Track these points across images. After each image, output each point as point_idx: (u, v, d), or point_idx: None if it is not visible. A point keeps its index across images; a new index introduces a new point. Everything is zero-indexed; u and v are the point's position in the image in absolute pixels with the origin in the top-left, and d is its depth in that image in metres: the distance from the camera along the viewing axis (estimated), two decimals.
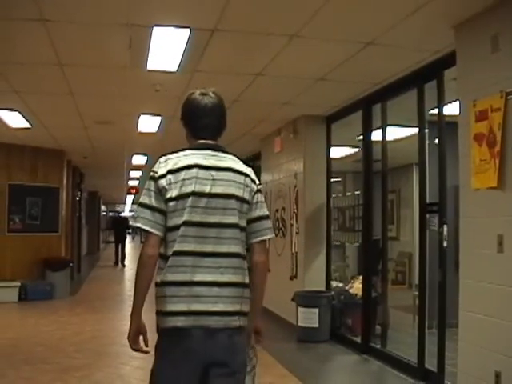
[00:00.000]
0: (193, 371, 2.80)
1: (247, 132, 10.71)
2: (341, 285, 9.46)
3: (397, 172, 12.05)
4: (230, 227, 2.92)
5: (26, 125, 10.05)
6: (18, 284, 12.37)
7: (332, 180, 9.39)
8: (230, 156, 3.10)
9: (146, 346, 2.96)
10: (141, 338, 2.97)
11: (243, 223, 2.97)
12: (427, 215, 6.37)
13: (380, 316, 7.79)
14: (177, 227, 2.85)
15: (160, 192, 2.88)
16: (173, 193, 2.87)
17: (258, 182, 3.11)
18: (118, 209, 33.88)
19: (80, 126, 10.37)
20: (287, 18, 5.19)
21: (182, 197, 2.87)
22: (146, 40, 5.68)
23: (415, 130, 6.72)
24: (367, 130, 7.90)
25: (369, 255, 7.93)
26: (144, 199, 2.91)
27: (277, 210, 10.51)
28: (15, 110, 8.97)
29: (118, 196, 34.43)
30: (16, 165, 12.91)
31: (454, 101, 5.54)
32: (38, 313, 10.91)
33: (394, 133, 8.33)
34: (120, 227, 25.64)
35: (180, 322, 2.80)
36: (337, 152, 9.74)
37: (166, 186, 2.87)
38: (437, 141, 6.21)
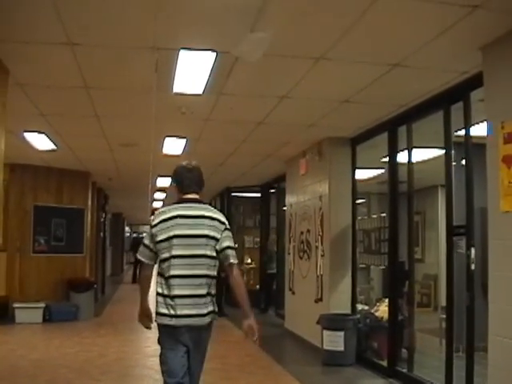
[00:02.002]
0: (181, 351, 4.29)
1: (272, 154, 10.72)
2: (366, 308, 9.37)
3: (422, 194, 11.97)
4: (201, 257, 4.28)
5: (52, 147, 10.16)
6: (43, 305, 12.43)
7: (357, 201, 9.34)
8: (205, 206, 4.49)
9: (151, 322, 4.56)
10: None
11: (211, 253, 4.31)
12: (454, 238, 6.30)
13: (406, 339, 7.69)
14: (167, 259, 4.26)
15: (152, 237, 4.32)
16: (162, 236, 4.28)
17: (226, 222, 4.45)
18: (140, 230, 34.09)
19: (105, 148, 10.46)
20: (313, 41, 5.20)
21: (168, 238, 4.26)
22: (173, 63, 5.72)
23: (441, 152, 6.67)
24: (393, 152, 7.87)
25: (395, 277, 7.85)
26: (145, 240, 4.42)
27: (302, 233, 10.49)
28: (42, 133, 9.07)
29: (141, 217, 34.49)
30: (42, 186, 13.04)
31: (481, 122, 5.50)
32: (62, 334, 10.95)
33: (420, 154, 8.28)
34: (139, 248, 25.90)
35: (170, 321, 4.23)
36: (362, 174, 9.70)
37: (157, 233, 4.29)
38: (463, 162, 6.16)
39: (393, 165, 7.88)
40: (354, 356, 8.40)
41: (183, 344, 4.28)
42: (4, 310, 12.02)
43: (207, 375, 7.21)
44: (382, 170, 9.97)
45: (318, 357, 8.67)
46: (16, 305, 12.14)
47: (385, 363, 7.83)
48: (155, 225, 4.31)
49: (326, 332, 8.42)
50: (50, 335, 10.97)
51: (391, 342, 7.77)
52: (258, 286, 16.09)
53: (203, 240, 4.28)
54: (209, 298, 4.33)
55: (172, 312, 4.21)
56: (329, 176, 9.21)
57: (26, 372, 7.78)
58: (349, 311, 8.89)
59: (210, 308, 4.35)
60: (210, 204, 18.75)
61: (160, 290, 4.29)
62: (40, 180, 13.02)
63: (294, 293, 11.11)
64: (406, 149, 7.42)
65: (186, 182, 4.54)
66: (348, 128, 8.63)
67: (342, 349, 8.28)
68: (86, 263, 13.78)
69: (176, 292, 4.22)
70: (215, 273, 4.37)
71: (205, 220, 4.33)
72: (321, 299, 9.32)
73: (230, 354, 9.33)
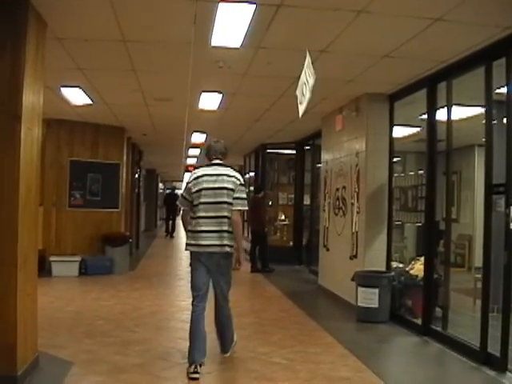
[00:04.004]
0: (203, 272, 5.96)
1: (308, 110, 10.48)
2: (401, 265, 9.38)
3: (458, 153, 11.84)
4: (222, 203, 5.95)
5: (88, 102, 10.21)
6: (79, 259, 12.66)
7: (393, 159, 9.27)
8: (226, 167, 6.17)
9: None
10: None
11: (229, 200, 5.95)
12: (493, 196, 6.25)
13: (441, 298, 7.71)
14: (197, 204, 5.98)
15: (188, 189, 6.05)
16: (195, 189, 6.00)
17: (241, 179, 6.12)
18: (174, 185, 34.41)
19: (141, 103, 10.49)
20: None
21: (199, 190, 5.98)
22: (211, 16, 5.68)
23: (480, 110, 6.57)
24: (431, 109, 7.76)
25: (431, 236, 7.83)
26: (183, 193, 6.22)
27: (337, 189, 10.48)
28: (78, 87, 9.12)
29: (175, 174, 34.76)
30: (78, 141, 13.18)
31: None
32: (98, 287, 11.15)
33: (459, 112, 8.17)
34: (171, 203, 26.64)
35: (196, 249, 5.96)
36: (399, 131, 9.60)
37: (192, 187, 6.02)
38: (504, 120, 6.07)
39: (431, 122, 7.79)
40: (388, 313, 8.43)
41: (205, 266, 5.96)
42: (41, 263, 12.19)
43: (243, 329, 7.40)
44: (419, 128, 9.87)
45: (351, 313, 8.73)
46: (53, 258, 12.39)
47: (419, 321, 7.85)
48: (190, 181, 6.07)
49: (360, 289, 8.46)
50: (86, 288, 11.18)
51: (426, 300, 7.78)
52: (291, 243, 16.19)
53: (224, 191, 5.98)
54: (226, 234, 5.94)
55: (198, 242, 5.94)
56: (366, 132, 9.14)
57: (64, 323, 7.97)
58: (383, 269, 8.90)
59: (226, 241, 5.95)
60: (245, 163, 19.05)
61: (190, 228, 6.04)
62: (76, 135, 13.14)
63: (328, 249, 11.15)
64: (445, 106, 7.33)
65: (212, 151, 6.28)
66: (387, 84, 8.53)
67: (376, 306, 8.32)
68: (121, 218, 13.94)
69: (202, 228, 5.93)
70: (227, 214, 5.97)
71: (225, 177, 6.04)
72: (356, 256, 9.35)
73: (266, 309, 9.46)
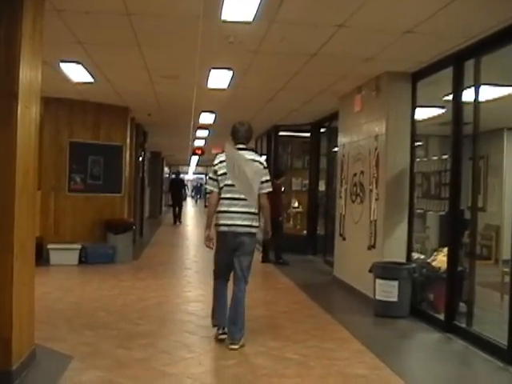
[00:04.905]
0: (227, 253, 6.64)
1: (325, 89, 10.61)
2: (422, 257, 9.34)
3: (485, 137, 11.75)
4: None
5: (89, 79, 10.19)
6: (79, 246, 12.66)
7: (416, 143, 9.21)
8: (250, 152, 6.85)
9: (213, 245, 6.76)
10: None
11: (256, 185, 6.54)
12: None
13: (465, 292, 7.67)
14: (223, 187, 6.65)
15: (215, 172, 6.71)
16: (221, 171, 6.65)
17: (265, 164, 6.81)
18: (179, 170, 34.54)
19: (146, 81, 10.47)
20: None
21: (224, 173, 6.62)
22: None
23: (510, 90, 6.50)
24: (458, 89, 7.69)
25: (456, 226, 7.78)
26: (210, 175, 6.91)
27: (355, 175, 10.44)
28: (79, 63, 9.09)
29: (182, 157, 34.84)
30: (78, 121, 13.15)
31: None
32: (99, 277, 11.19)
33: (488, 93, 8.09)
34: (177, 188, 26.76)
35: (223, 228, 6.63)
36: (421, 113, 9.53)
37: (218, 169, 6.68)
38: None
39: (457, 103, 7.72)
40: (408, 307, 8.41)
41: (229, 247, 6.61)
42: (38, 251, 12.22)
43: (253, 322, 7.40)
44: (444, 110, 9.80)
45: (369, 307, 8.72)
46: (51, 246, 12.39)
47: (441, 316, 7.82)
48: (216, 164, 6.73)
49: (378, 281, 8.44)
50: (87, 278, 11.23)
51: (449, 294, 7.73)
52: (305, 232, 16.18)
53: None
54: (251, 215, 6.61)
55: (224, 222, 6.60)
56: (386, 114, 9.08)
57: (63, 314, 7.99)
58: (404, 260, 8.87)
59: (251, 222, 6.61)
60: (256, 146, 19.05)
61: (219, 208, 6.66)
62: (76, 115, 13.11)
63: (344, 239, 11.13)
64: (472, 86, 7.26)
65: (237, 135, 6.88)
66: (409, 62, 8.46)
67: (395, 299, 8.29)
68: (124, 203, 13.95)
69: (227, 208, 6.59)
70: (256, 197, 6.62)
71: (253, 162, 6.65)
72: (374, 246, 9.33)
73: (278, 301, 9.47)
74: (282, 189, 14.54)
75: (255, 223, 6.65)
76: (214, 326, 6.84)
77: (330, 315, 8.39)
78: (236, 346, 6.44)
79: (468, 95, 7.45)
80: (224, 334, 6.64)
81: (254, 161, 6.67)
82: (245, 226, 6.57)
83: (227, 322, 6.65)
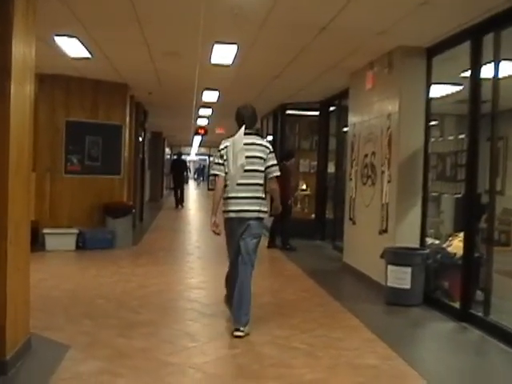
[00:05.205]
0: (235, 238, 6.85)
1: (334, 65, 10.57)
2: (437, 242, 9.34)
3: (505, 116, 11.67)
4: (254, 171, 6.79)
5: (86, 54, 10.16)
6: (76, 231, 12.69)
7: (430, 122, 9.17)
8: (256, 136, 7.06)
9: (219, 231, 6.86)
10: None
11: (261, 168, 6.84)
12: None
13: (482, 280, 7.67)
14: (229, 172, 6.76)
15: (221, 156, 6.86)
16: (226, 157, 6.79)
17: (270, 147, 7.01)
18: (180, 151, 34.47)
19: (146, 58, 10.45)
20: None
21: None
22: None
23: None
24: (476, 66, 7.64)
25: (472, 210, 7.76)
26: (216, 160, 7.08)
27: (366, 155, 10.42)
28: (74, 37, 9.06)
29: (184, 138, 34.80)
30: (75, 100, 13.13)
31: None
32: (97, 263, 11.23)
33: (508, 69, 8.04)
34: (179, 170, 26.79)
35: (231, 215, 6.82)
36: (437, 90, 9.48)
37: (224, 154, 6.83)
38: None
39: (475, 80, 7.67)
40: (422, 295, 8.42)
41: (237, 233, 6.81)
42: (34, 236, 12.22)
43: (259, 309, 7.43)
44: (461, 87, 9.76)
45: (380, 295, 8.74)
46: (46, 230, 12.44)
47: (456, 305, 7.82)
48: (222, 149, 6.89)
49: (390, 267, 8.45)
50: (85, 264, 11.26)
51: (465, 281, 7.73)
52: (313, 216, 16.18)
53: (255, 160, 6.82)
54: (258, 200, 6.84)
55: (233, 208, 6.79)
56: (399, 91, 9.04)
57: (60, 303, 8.02)
58: (417, 245, 8.88)
59: (259, 207, 6.82)
60: (262, 126, 19.03)
61: (226, 195, 6.83)
62: (73, 93, 13.09)
63: (354, 223, 11.14)
64: (491, 62, 7.22)
65: (242, 119, 7.02)
66: (424, 36, 8.41)
67: (408, 287, 8.30)
68: (124, 186, 13.96)
69: (234, 194, 6.78)
70: (263, 181, 6.93)
71: (256, 146, 6.87)
72: (386, 231, 9.33)
73: (284, 289, 9.51)
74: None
75: (263, 208, 6.85)
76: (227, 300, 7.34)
77: (339, 303, 8.42)
78: (241, 333, 6.48)
79: (487, 71, 7.41)
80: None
81: (259, 145, 6.90)
82: (253, 212, 6.77)
83: (233, 305, 6.77)
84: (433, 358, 6.48)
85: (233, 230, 6.86)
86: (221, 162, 6.87)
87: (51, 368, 5.36)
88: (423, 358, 6.45)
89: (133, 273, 10.42)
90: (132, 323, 7.05)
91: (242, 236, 6.79)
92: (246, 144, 6.80)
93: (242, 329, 6.51)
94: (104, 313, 7.53)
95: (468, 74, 7.81)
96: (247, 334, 6.54)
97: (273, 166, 6.95)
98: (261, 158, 6.85)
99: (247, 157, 6.74)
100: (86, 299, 8.26)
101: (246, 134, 6.92)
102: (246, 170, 6.75)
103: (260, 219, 6.88)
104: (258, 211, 6.80)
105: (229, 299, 7.14)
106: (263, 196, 6.94)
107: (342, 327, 7.19)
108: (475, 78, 7.63)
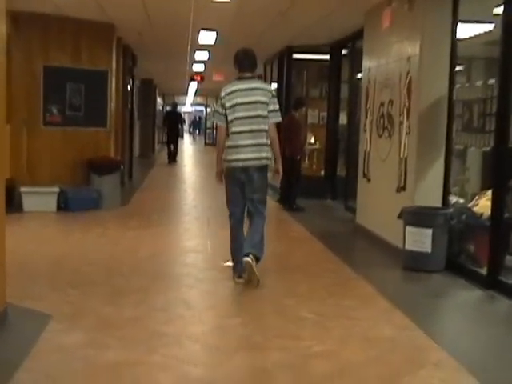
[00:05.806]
0: (237, 187, 7.33)
1: (348, 1, 10.47)
2: (461, 201, 9.32)
3: None
4: (256, 117, 7.21)
5: None
6: (57, 190, 12.65)
7: (456, 66, 9.10)
8: (257, 80, 7.67)
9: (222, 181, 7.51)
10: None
11: (263, 113, 7.22)
12: None
13: None
14: (232, 120, 7.22)
15: (222, 105, 7.26)
16: (228, 104, 7.22)
17: (272, 91, 7.51)
18: (175, 102, 34.37)
19: None
20: None
21: (232, 105, 7.21)
22: None
23: None
24: (510, 0, 7.56)
25: (502, 165, 7.72)
26: (217, 109, 7.45)
27: (382, 104, 10.37)
28: None
29: (177, 85, 34.67)
30: (54, 42, 13.06)
31: None
32: (82, 225, 11.28)
33: None
34: (173, 123, 26.83)
35: (233, 164, 7.26)
36: (464, 30, 9.39)
37: (225, 102, 7.23)
38: None
39: (509, 17, 7.58)
40: (444, 260, 8.42)
41: (239, 183, 7.30)
42: (9, 195, 12.21)
43: (263, 276, 7.44)
44: (492, 26, 9.66)
45: (397, 259, 8.75)
46: (24, 189, 12.40)
47: (483, 271, 7.81)
48: (223, 97, 7.27)
49: (409, 229, 8.45)
50: (68, 227, 11.33)
51: (493, 244, 7.70)
52: (322, 173, 16.17)
53: (258, 105, 7.23)
54: (263, 147, 7.28)
55: (234, 157, 7.22)
56: (421, 31, 8.96)
57: (43, 270, 8.09)
58: (439, 204, 8.88)
59: (264, 154, 7.28)
60: (265, 71, 18.98)
61: (228, 143, 7.27)
62: (51, 34, 13.01)
63: (369, 180, 11.14)
64: None
65: (242, 63, 7.43)
66: None
67: (428, 250, 8.29)
68: (111, 140, 13.96)
69: (238, 142, 7.19)
70: (267, 127, 7.28)
71: (257, 91, 7.30)
72: (404, 188, 9.32)
73: (291, 253, 9.60)
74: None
75: (268, 154, 7.33)
76: (234, 269, 7.47)
77: (352, 269, 8.45)
78: (249, 259, 6.95)
79: None
80: (241, 277, 7.31)
81: (261, 89, 7.36)
82: (255, 159, 7.22)
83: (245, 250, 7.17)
84: (456, 329, 6.52)
85: (234, 180, 7.32)
86: (221, 111, 7.30)
87: (30, 340, 5.35)
88: (445, 330, 6.46)
89: (122, 236, 10.46)
90: (121, 291, 7.09)
91: (248, 194, 7.29)
92: (247, 89, 7.26)
93: (251, 256, 6.96)
94: (90, 280, 7.55)
95: (501, 10, 7.73)
96: (258, 282, 6.99)
97: (274, 110, 7.33)
98: (263, 102, 7.25)
99: (249, 102, 7.20)
100: (70, 265, 8.30)
101: (247, 78, 7.42)
102: (248, 117, 7.21)
103: (263, 167, 7.34)
104: (263, 158, 7.26)
105: (237, 269, 7.41)
106: (268, 142, 7.34)
107: (355, 295, 7.23)
108: (509, 15, 7.55)
